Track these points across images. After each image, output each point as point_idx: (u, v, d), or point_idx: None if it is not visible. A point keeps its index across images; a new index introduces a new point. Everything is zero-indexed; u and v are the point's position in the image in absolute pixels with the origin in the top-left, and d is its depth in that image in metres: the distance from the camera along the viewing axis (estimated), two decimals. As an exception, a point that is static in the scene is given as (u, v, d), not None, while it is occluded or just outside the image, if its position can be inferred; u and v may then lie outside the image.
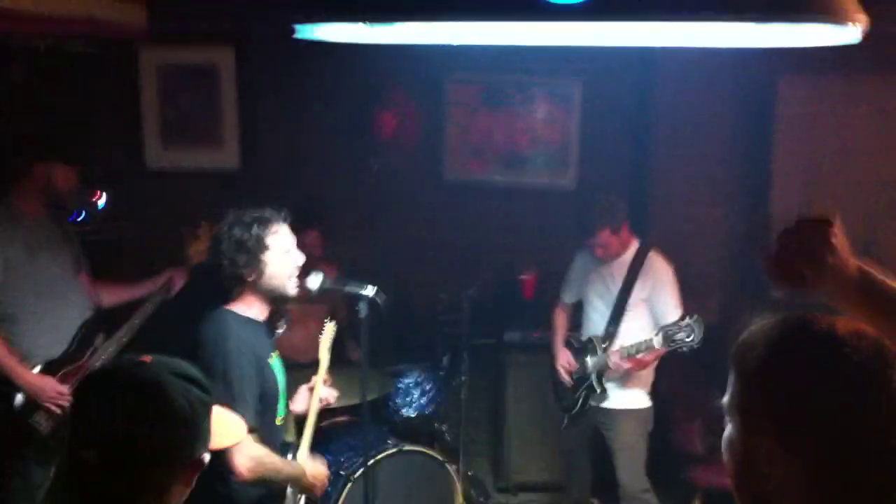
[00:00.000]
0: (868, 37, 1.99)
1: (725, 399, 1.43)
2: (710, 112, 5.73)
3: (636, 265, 4.58)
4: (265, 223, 3.32)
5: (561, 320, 4.96)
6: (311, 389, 3.67)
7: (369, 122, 5.82)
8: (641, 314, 4.57)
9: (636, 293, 4.56)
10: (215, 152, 5.82)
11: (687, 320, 4.18)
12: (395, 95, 5.86)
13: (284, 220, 3.39)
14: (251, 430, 3.16)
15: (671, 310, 4.47)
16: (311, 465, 3.49)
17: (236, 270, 3.29)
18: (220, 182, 5.68)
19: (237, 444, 3.10)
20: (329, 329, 3.78)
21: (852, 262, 1.66)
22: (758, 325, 1.42)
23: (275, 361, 3.40)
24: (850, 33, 2.01)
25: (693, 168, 5.74)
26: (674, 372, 4.79)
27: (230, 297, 3.38)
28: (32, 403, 4.05)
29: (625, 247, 4.62)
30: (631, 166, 5.83)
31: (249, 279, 3.30)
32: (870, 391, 1.31)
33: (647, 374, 4.64)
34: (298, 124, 5.83)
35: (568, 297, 4.95)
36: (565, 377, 4.80)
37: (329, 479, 3.58)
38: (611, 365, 4.48)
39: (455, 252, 5.76)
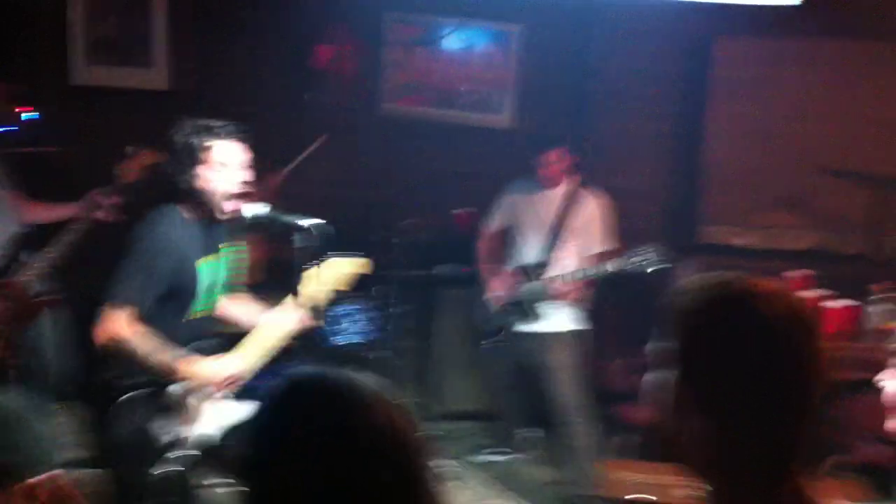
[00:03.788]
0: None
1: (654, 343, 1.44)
2: (647, 67, 5.81)
3: (570, 196, 4.74)
4: (206, 134, 3.29)
5: (485, 247, 5.01)
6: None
7: (306, 53, 5.74)
8: (576, 244, 4.73)
9: (569, 223, 4.71)
10: (145, 72, 5.67)
11: (647, 247, 4.37)
12: (334, 29, 5.80)
13: (232, 136, 3.32)
14: (134, 313, 3.19)
15: (598, 241, 4.70)
16: (202, 362, 3.32)
17: (171, 176, 3.31)
18: (148, 103, 5.54)
19: (111, 315, 3.17)
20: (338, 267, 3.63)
21: None
22: (690, 279, 1.43)
23: (207, 264, 3.40)
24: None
25: (628, 122, 5.81)
26: (599, 313, 4.88)
27: (177, 198, 3.38)
28: None
29: (561, 178, 4.76)
30: (567, 113, 5.86)
31: (183, 187, 3.30)
32: (783, 357, 1.32)
33: (576, 303, 4.76)
34: (232, 50, 5.71)
35: (494, 226, 5.00)
36: (497, 302, 4.84)
37: (224, 383, 3.38)
38: (553, 292, 4.58)
39: (389, 187, 5.75)
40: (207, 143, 3.28)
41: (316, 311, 3.55)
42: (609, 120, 5.80)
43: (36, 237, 4.32)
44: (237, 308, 3.72)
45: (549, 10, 5.67)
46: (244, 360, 3.48)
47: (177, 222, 3.34)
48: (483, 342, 4.95)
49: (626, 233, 5.02)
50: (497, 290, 4.86)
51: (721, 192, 5.57)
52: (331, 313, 4.78)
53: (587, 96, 5.87)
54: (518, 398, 5.10)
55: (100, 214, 4.28)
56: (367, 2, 5.61)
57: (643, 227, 5.66)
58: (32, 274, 4.17)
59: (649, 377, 1.44)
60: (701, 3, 4.96)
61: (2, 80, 4.23)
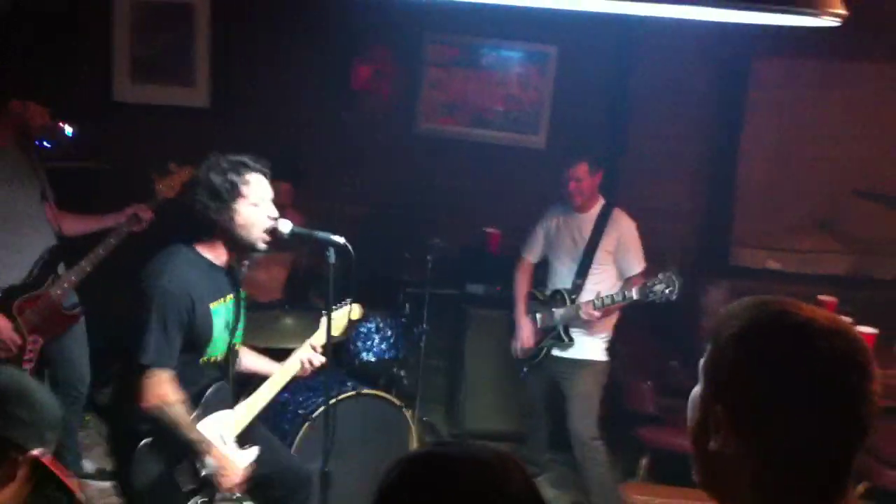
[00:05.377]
0: (844, 22, 2.03)
1: (702, 360, 1.43)
2: (683, 88, 5.82)
3: (602, 219, 4.71)
4: (242, 171, 3.30)
5: (524, 279, 4.99)
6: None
7: (345, 72, 5.82)
8: (607, 268, 4.71)
9: (603, 246, 4.69)
10: (186, 90, 5.78)
11: (666, 274, 4.31)
12: (373, 49, 5.87)
13: (263, 171, 3.37)
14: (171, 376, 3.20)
15: (635, 263, 4.67)
16: (229, 454, 3.37)
17: (207, 214, 3.28)
18: (189, 120, 5.65)
19: (152, 380, 3.16)
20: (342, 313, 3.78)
21: None
22: (745, 300, 1.41)
23: (220, 306, 3.40)
24: (827, 20, 2.04)
25: (662, 141, 5.82)
26: (627, 334, 4.88)
27: (199, 236, 3.37)
28: None
29: (593, 199, 4.75)
30: (602, 135, 5.87)
31: (219, 225, 3.30)
32: (832, 395, 1.29)
33: (608, 330, 4.77)
34: (273, 69, 5.80)
35: (532, 257, 4.99)
36: (525, 345, 4.85)
37: (241, 483, 3.39)
38: (583, 315, 4.57)
39: (423, 204, 5.82)
40: (246, 179, 3.29)
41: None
42: (644, 140, 5.81)
43: (71, 250, 4.39)
44: (249, 357, 3.78)
45: (586, 30, 5.69)
46: (254, 406, 3.55)
47: (186, 263, 3.31)
48: (523, 366, 4.96)
49: (659, 253, 5.03)
50: (525, 339, 4.85)
51: (755, 215, 5.54)
52: (361, 329, 4.82)
53: (622, 117, 5.89)
54: (545, 421, 5.11)
55: (137, 228, 4.34)
56: (406, 22, 5.68)
57: (676, 247, 5.68)
58: (65, 286, 4.25)
59: (694, 392, 1.44)
60: (738, 25, 4.94)
61: (49, 101, 4.35)
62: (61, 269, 4.33)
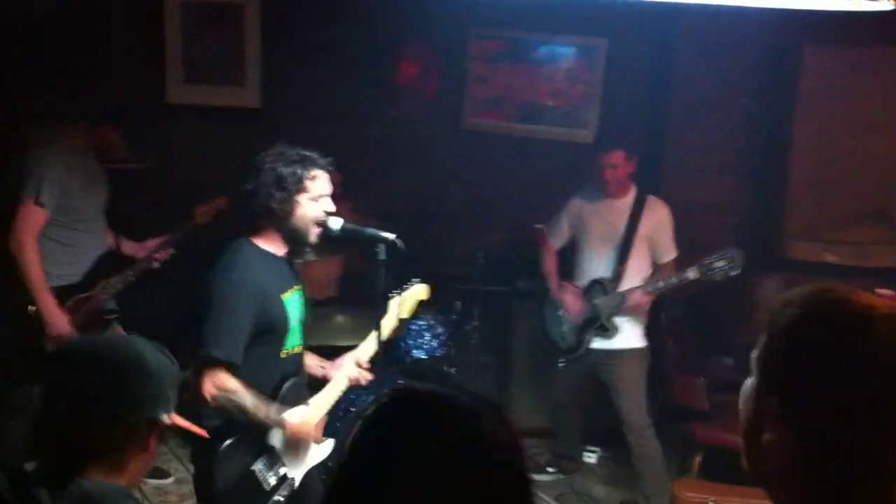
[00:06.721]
0: None
1: (754, 351, 1.41)
2: (733, 78, 5.73)
3: (638, 204, 4.73)
4: (308, 165, 3.32)
5: (554, 264, 5.00)
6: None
7: (390, 70, 5.84)
8: (643, 254, 4.73)
9: (640, 231, 4.70)
10: (237, 91, 5.84)
11: (725, 250, 4.33)
12: (417, 46, 5.89)
13: (328, 168, 3.40)
14: (231, 367, 3.17)
15: (670, 250, 4.72)
16: (297, 418, 3.35)
17: (268, 203, 3.28)
18: (239, 121, 5.71)
19: (209, 371, 3.15)
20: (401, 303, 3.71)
21: None
22: (801, 287, 1.38)
23: (291, 297, 3.40)
24: (881, 4, 2.00)
25: (710, 134, 5.75)
26: (676, 329, 4.85)
27: (253, 228, 3.37)
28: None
29: (627, 186, 4.76)
30: (649, 127, 5.83)
31: (277, 215, 3.31)
32: (892, 386, 1.27)
33: (646, 315, 4.79)
34: (320, 68, 5.83)
35: (556, 242, 5.00)
36: (575, 310, 4.83)
37: (313, 437, 3.44)
38: (630, 302, 4.57)
39: (471, 200, 5.82)
40: (312, 174, 3.31)
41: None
42: (693, 132, 5.75)
43: (117, 258, 4.68)
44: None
45: (634, 23, 5.66)
46: (324, 404, 3.53)
47: (253, 257, 3.31)
48: (560, 360, 4.96)
49: (709, 246, 4.97)
50: (572, 306, 4.85)
51: (807, 206, 5.43)
52: (412, 327, 4.83)
53: (671, 109, 5.83)
54: (578, 414, 5.13)
55: (152, 265, 4.64)
56: (452, 18, 5.66)
57: (726, 240, 5.60)
58: (111, 292, 4.55)
59: (747, 383, 1.42)
60: (788, 12, 4.86)
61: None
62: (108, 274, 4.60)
